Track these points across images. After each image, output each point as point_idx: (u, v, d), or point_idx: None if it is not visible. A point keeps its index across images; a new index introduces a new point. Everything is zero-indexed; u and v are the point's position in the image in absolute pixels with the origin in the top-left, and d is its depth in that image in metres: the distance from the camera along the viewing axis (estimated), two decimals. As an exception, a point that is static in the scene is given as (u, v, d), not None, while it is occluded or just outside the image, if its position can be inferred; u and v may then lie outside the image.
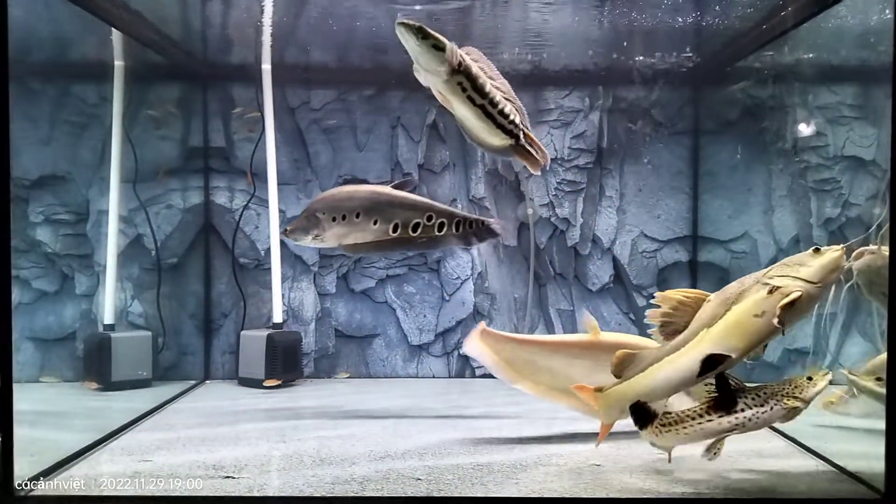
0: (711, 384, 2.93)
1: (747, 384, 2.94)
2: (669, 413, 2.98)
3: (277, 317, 5.44)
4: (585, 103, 5.71)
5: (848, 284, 3.33)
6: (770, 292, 2.69)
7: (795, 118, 5.45)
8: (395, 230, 3.86)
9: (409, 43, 3.05)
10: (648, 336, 3.05)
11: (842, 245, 2.75)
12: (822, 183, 5.49)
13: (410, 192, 3.97)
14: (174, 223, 5.57)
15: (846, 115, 5.46)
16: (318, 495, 2.87)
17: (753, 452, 3.47)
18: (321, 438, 3.78)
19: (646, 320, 2.96)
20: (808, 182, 5.50)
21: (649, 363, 2.91)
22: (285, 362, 5.29)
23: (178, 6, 4.86)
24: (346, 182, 5.63)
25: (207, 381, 5.55)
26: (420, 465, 3.29)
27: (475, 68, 3.19)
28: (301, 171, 5.71)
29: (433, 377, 5.73)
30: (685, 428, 2.93)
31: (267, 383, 5.21)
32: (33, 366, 5.40)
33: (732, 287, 2.84)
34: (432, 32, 3.06)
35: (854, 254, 3.25)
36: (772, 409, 2.85)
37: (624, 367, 2.98)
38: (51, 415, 4.46)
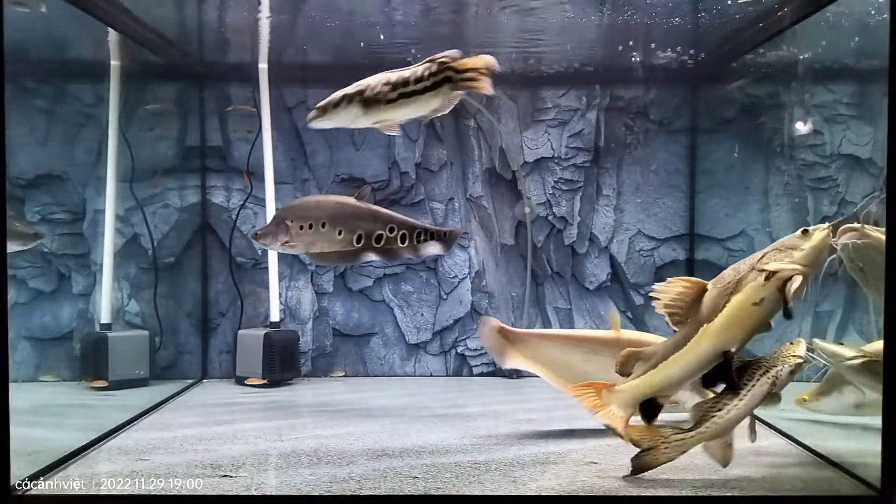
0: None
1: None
2: (704, 417, 2.97)
3: (275, 316, 5.44)
4: (582, 102, 5.71)
5: (832, 257, 3.42)
6: (767, 279, 2.74)
7: (792, 116, 5.46)
8: (358, 241, 3.94)
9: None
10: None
11: (828, 224, 2.87)
12: (819, 181, 5.50)
13: (366, 200, 4.04)
14: (171, 222, 5.57)
15: (843, 113, 5.47)
16: (316, 494, 2.87)
17: (751, 451, 3.47)
18: (319, 437, 3.78)
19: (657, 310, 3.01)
20: (805, 180, 5.51)
21: (658, 359, 2.98)
22: (283, 361, 5.29)
23: (174, 5, 4.85)
24: (343, 181, 5.64)
25: (205, 380, 5.55)
26: (418, 463, 3.29)
27: (369, 89, 3.38)
28: (298, 171, 5.71)
29: (431, 376, 5.73)
30: (717, 420, 2.94)
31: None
32: (30, 365, 5.39)
33: (728, 274, 2.92)
34: (322, 104, 3.40)
35: (839, 230, 3.33)
36: (778, 373, 2.93)
37: (629, 365, 3.06)
38: (49, 414, 4.45)
